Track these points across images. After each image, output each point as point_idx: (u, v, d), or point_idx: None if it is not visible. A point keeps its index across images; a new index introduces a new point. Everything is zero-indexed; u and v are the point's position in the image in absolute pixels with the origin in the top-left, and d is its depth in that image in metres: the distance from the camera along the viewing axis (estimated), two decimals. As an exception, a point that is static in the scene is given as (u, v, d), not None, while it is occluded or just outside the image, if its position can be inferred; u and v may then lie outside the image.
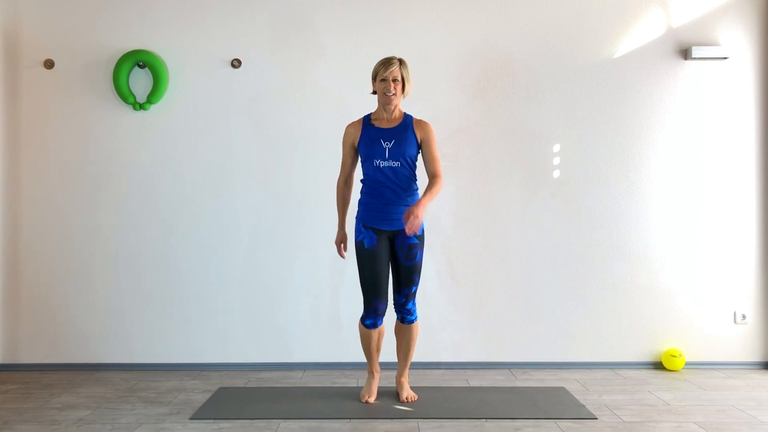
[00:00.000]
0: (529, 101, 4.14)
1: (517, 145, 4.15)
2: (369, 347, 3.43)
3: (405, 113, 3.41)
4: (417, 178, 3.38)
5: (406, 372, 3.50)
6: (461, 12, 4.14)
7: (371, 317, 3.36)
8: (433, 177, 3.30)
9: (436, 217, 4.11)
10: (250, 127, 4.14)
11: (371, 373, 3.47)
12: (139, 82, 4.12)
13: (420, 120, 3.39)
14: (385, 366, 3.92)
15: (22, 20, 4.14)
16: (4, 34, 4.12)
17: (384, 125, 3.36)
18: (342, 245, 3.47)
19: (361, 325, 3.40)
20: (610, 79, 4.13)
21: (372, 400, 3.38)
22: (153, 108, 4.13)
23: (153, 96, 4.08)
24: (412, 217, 3.07)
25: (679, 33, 4.12)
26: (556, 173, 4.15)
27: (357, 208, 3.42)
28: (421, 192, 3.35)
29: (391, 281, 3.41)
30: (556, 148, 4.15)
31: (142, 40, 4.13)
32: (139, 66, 4.10)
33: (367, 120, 3.40)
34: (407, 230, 3.08)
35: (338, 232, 3.48)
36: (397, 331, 3.46)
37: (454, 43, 4.13)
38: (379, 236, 3.33)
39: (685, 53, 4.12)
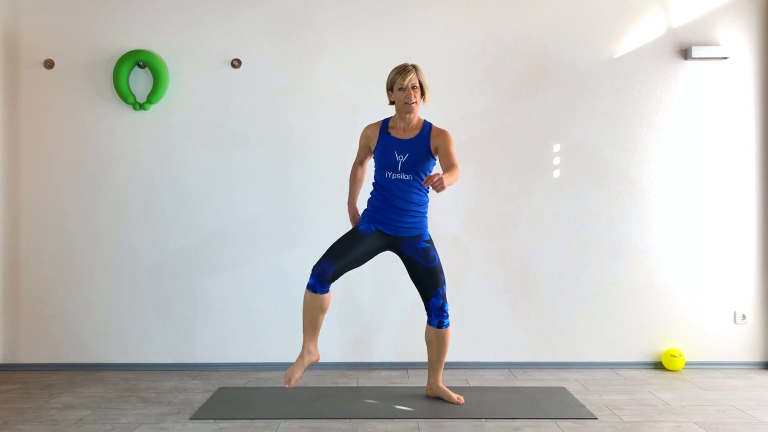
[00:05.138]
0: (528, 101, 4.14)
1: (516, 144, 4.14)
2: (305, 315, 3.19)
3: (425, 121, 3.31)
4: (429, 190, 3.34)
5: (440, 378, 3.44)
6: (461, 12, 4.14)
7: (313, 277, 3.15)
8: (451, 168, 3.13)
9: (436, 217, 4.10)
10: (250, 127, 4.14)
11: (302, 351, 3.24)
12: (139, 82, 4.12)
13: (438, 129, 3.26)
14: (379, 366, 3.92)
15: (22, 20, 4.14)
16: (4, 34, 4.12)
17: (400, 135, 3.27)
18: (355, 218, 3.47)
19: (306, 291, 3.21)
20: (610, 79, 4.13)
21: (292, 383, 3.16)
22: (153, 108, 4.13)
23: (153, 96, 4.07)
24: (437, 180, 2.88)
25: (679, 33, 4.12)
26: (556, 173, 4.15)
27: (366, 205, 3.39)
28: (429, 198, 3.39)
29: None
30: (556, 148, 4.15)
31: (142, 40, 4.13)
32: (139, 66, 4.09)
33: (384, 126, 3.33)
34: (435, 186, 2.89)
35: (349, 208, 3.46)
36: (432, 337, 3.36)
37: (453, 43, 4.13)
38: (379, 233, 3.29)
39: (685, 53, 4.11)
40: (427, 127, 3.29)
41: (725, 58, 4.10)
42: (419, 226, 3.31)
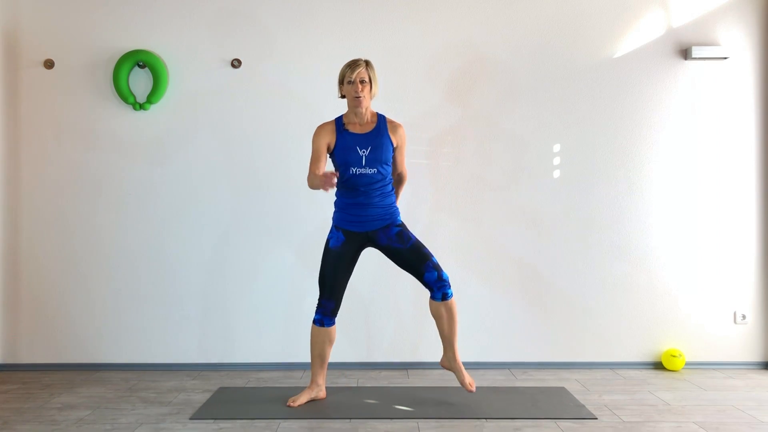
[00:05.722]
0: (529, 101, 4.14)
1: (516, 144, 4.14)
2: (313, 348, 3.39)
3: (378, 114, 3.36)
4: (392, 179, 3.40)
5: (457, 351, 3.34)
6: (461, 12, 4.14)
7: (318, 313, 3.36)
8: (402, 178, 3.49)
9: (436, 216, 4.11)
10: (250, 127, 4.14)
11: (311, 383, 3.42)
12: (139, 82, 4.12)
13: (393, 123, 3.36)
14: (379, 366, 3.91)
15: (22, 20, 4.14)
16: (4, 34, 4.12)
17: (358, 130, 3.30)
18: (328, 175, 3.07)
19: (312, 326, 3.39)
20: (610, 79, 4.13)
21: (295, 405, 3.30)
22: (153, 108, 4.13)
23: (153, 96, 4.07)
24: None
25: (679, 33, 4.12)
26: (556, 173, 4.15)
27: (333, 210, 3.42)
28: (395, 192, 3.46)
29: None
30: (556, 148, 4.15)
31: (142, 40, 4.12)
32: (139, 66, 4.09)
33: (340, 124, 3.33)
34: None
35: (319, 176, 3.15)
36: (441, 310, 3.29)
37: (453, 43, 4.13)
38: (349, 238, 3.32)
39: (685, 53, 4.11)
40: (382, 119, 3.35)
41: (725, 58, 4.10)
42: (386, 216, 3.32)
